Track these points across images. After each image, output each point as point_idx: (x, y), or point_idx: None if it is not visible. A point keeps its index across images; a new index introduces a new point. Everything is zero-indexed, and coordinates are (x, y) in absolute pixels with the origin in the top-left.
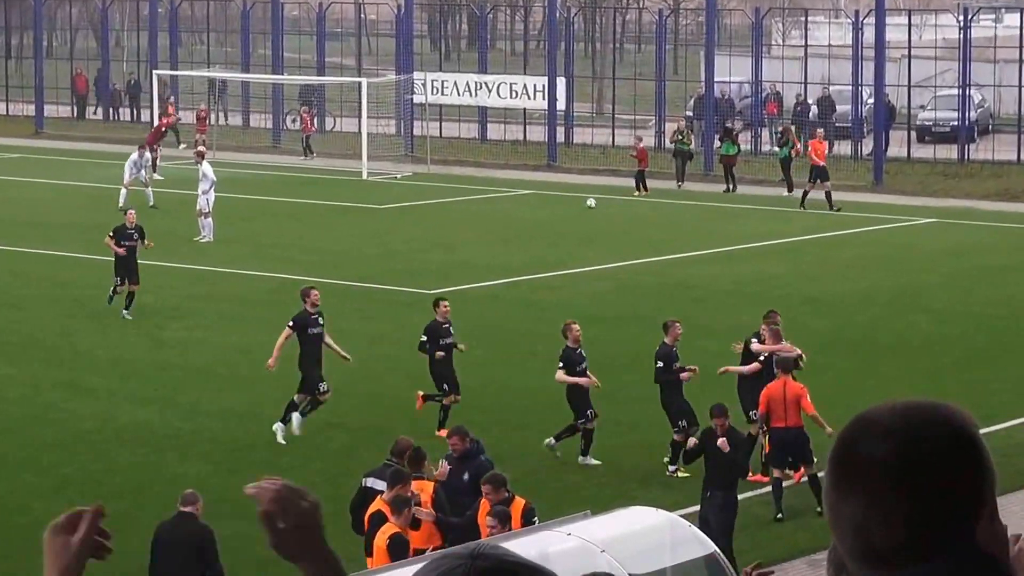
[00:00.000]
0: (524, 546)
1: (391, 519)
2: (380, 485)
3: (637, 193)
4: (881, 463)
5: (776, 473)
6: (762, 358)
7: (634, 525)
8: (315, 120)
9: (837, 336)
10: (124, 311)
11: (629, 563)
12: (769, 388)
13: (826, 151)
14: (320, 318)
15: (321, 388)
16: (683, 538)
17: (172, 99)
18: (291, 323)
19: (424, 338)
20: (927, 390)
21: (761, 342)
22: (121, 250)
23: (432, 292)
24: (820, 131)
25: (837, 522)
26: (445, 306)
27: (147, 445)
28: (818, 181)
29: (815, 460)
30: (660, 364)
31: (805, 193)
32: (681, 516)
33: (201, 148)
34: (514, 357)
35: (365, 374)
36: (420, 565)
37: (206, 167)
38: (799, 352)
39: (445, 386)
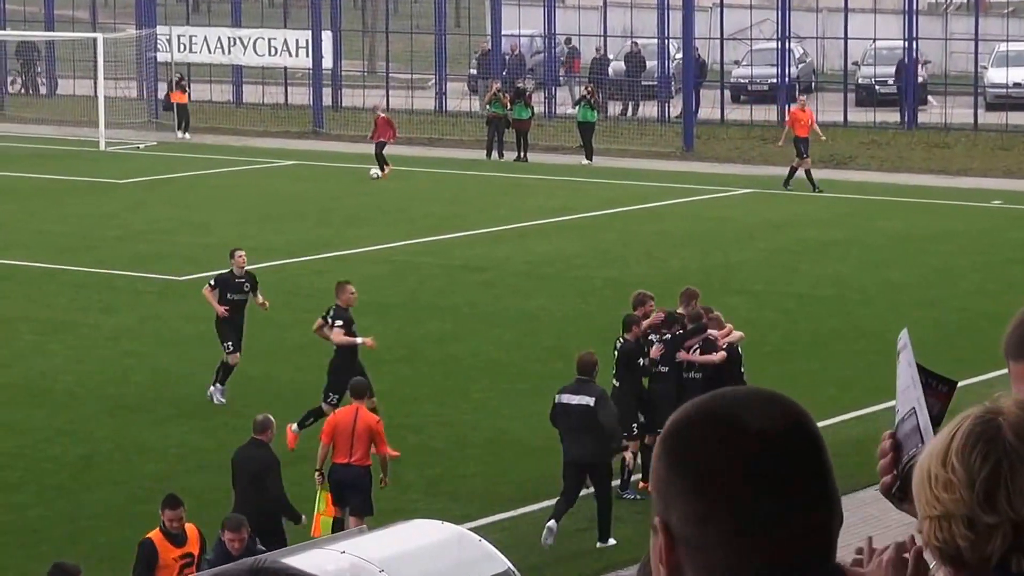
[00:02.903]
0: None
1: None
2: None
3: (383, 172)
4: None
5: (337, 512)
6: (725, 347)
7: (417, 540)
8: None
9: None
10: (216, 387)
11: None
12: (337, 415)
13: (811, 121)
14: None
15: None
16: (473, 555)
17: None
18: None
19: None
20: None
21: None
22: (223, 309)
23: (182, 278)
24: (803, 98)
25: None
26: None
27: None
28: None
29: (373, 512)
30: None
31: (809, 172)
32: (470, 529)
33: None
34: (278, 350)
35: (108, 375)
36: None
37: None
38: (739, 334)
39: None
